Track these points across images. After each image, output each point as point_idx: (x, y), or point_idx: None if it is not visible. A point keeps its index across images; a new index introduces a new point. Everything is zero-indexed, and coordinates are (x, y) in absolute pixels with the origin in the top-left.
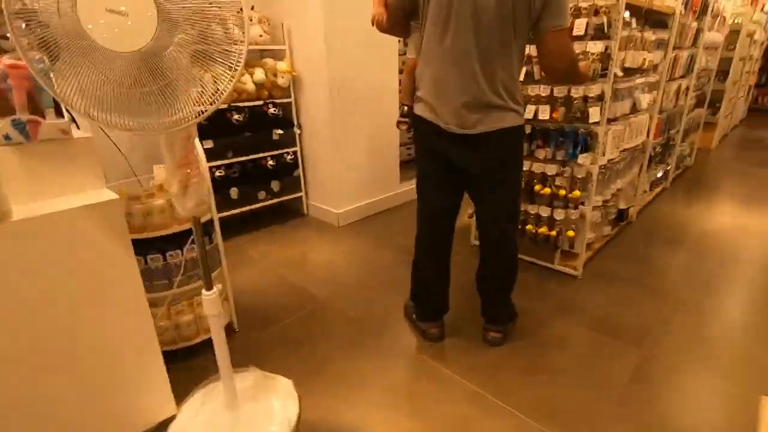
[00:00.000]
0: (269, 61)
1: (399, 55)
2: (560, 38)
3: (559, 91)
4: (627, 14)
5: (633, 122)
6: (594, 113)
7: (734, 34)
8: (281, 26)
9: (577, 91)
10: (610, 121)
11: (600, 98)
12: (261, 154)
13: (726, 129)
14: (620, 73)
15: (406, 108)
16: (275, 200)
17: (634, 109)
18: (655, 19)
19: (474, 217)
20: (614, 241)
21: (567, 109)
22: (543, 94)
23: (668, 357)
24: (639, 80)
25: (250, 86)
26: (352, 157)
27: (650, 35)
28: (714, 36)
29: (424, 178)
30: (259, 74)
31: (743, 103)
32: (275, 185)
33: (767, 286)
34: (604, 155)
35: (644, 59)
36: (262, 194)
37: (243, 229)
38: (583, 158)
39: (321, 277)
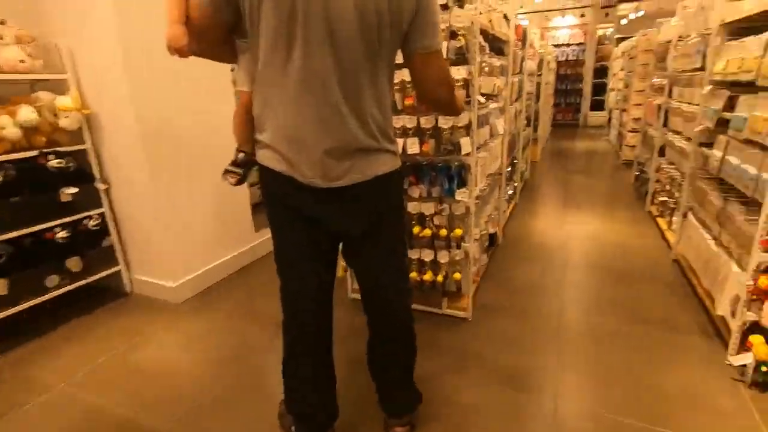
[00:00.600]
0: (44, 95)
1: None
2: (433, 62)
3: (427, 122)
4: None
5: (492, 148)
6: (465, 144)
7: (539, 61)
8: (56, 48)
9: (446, 122)
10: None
11: (468, 128)
12: (44, 225)
13: (543, 143)
14: (483, 100)
15: (241, 155)
16: (77, 283)
17: (491, 135)
18: (495, 47)
19: (348, 272)
20: (490, 269)
21: (437, 141)
22: (409, 126)
23: (575, 400)
24: (493, 105)
25: (12, 132)
26: (185, 212)
27: (496, 61)
28: (531, 64)
29: (284, 250)
30: (27, 114)
31: (548, 120)
32: (74, 263)
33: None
34: (476, 186)
35: (494, 85)
36: (53, 279)
37: (27, 336)
38: (461, 194)
39: (155, 395)
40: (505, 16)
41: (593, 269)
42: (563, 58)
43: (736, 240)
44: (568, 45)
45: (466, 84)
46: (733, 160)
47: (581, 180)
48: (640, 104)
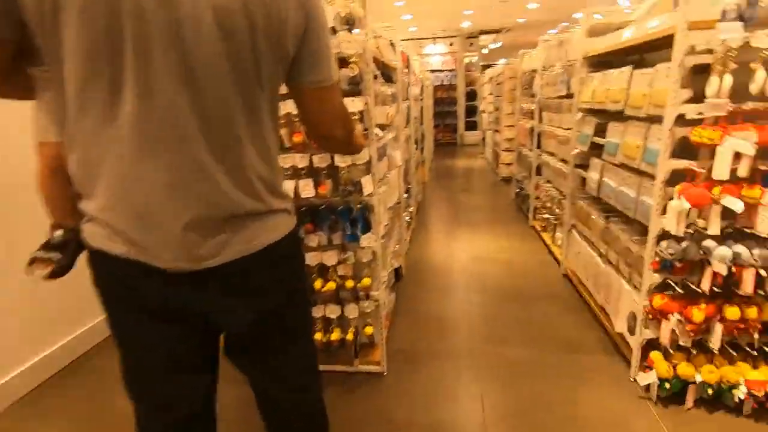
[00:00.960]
0: None
1: None
2: (327, 98)
3: (321, 161)
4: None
5: (391, 180)
6: (367, 183)
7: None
8: None
9: (343, 160)
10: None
11: (368, 164)
12: None
13: (429, 163)
14: (380, 133)
15: (58, 232)
16: None
17: (390, 167)
18: (384, 74)
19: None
20: (398, 306)
21: (334, 181)
22: (301, 166)
23: None
24: (389, 136)
25: None
26: None
27: (387, 89)
28: (415, 89)
29: (134, 360)
30: None
31: (432, 141)
32: None
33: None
34: (381, 226)
35: (388, 114)
36: None
37: None
38: (366, 239)
39: None
40: (391, 43)
41: (495, 291)
42: (438, 83)
43: (623, 258)
44: (441, 71)
45: (362, 116)
46: (610, 182)
47: (468, 198)
48: (511, 126)
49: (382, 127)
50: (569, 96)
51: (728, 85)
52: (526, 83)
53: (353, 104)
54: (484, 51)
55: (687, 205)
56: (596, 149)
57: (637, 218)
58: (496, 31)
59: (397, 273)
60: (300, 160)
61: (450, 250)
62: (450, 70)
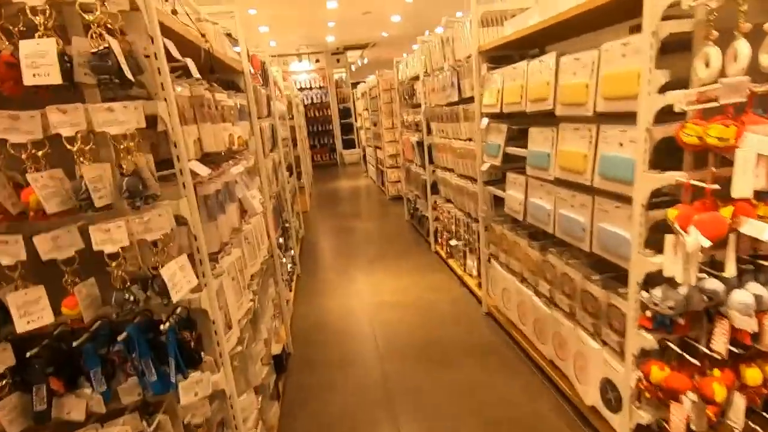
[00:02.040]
0: None
1: None
2: None
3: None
4: (189, 62)
5: (248, 234)
6: (177, 274)
7: (288, 104)
8: None
9: (112, 235)
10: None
11: (178, 234)
12: None
13: (309, 188)
14: (202, 170)
15: None
16: None
17: (244, 215)
18: (225, 79)
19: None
20: (286, 409)
21: (105, 284)
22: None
23: None
24: (236, 170)
25: None
26: None
27: (226, 98)
28: (280, 106)
29: None
30: None
31: (309, 164)
32: None
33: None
34: (227, 341)
35: (230, 136)
36: None
37: None
38: (196, 382)
39: None
40: (229, 35)
41: (411, 351)
42: (309, 102)
43: (581, 304)
44: (311, 88)
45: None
46: (542, 203)
47: (358, 224)
48: (393, 141)
49: (212, 158)
50: (464, 101)
51: (746, 55)
52: (407, 93)
53: (74, 114)
54: (353, 68)
55: (706, 242)
56: (512, 161)
57: (597, 252)
58: (362, 47)
59: (280, 360)
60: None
61: (346, 300)
62: (320, 88)
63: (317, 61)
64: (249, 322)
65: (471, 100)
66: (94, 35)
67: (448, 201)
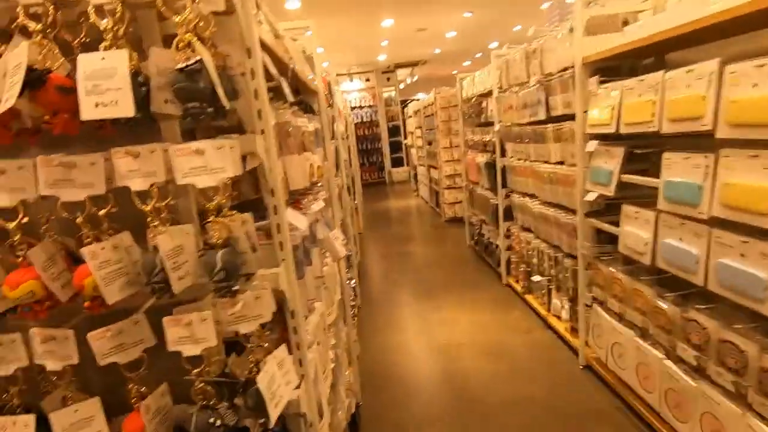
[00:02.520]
0: None
1: None
2: None
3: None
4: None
5: (327, 278)
6: (277, 387)
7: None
8: None
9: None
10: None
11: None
12: None
13: (361, 208)
14: (301, 224)
15: None
16: None
17: (324, 263)
18: (300, 101)
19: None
20: None
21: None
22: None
23: None
24: (316, 206)
25: None
26: None
27: (306, 122)
28: (341, 126)
29: None
30: None
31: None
32: None
33: None
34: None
35: (312, 166)
36: None
37: None
38: None
39: None
40: (304, 52)
41: (500, 416)
42: (358, 120)
43: (758, 385)
44: (361, 107)
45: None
46: (687, 248)
47: (415, 249)
48: (451, 160)
49: (300, 196)
50: (553, 120)
51: None
52: (473, 111)
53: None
54: (401, 86)
55: None
56: (626, 190)
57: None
58: (413, 65)
59: (352, 421)
60: None
61: (414, 338)
62: (369, 106)
63: (367, 80)
64: (330, 388)
65: (562, 118)
66: (180, 44)
67: (526, 230)
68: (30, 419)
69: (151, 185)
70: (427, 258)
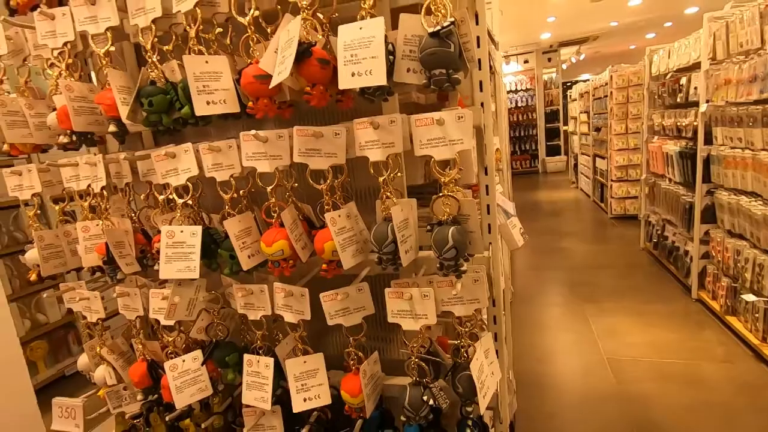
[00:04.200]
0: None
1: None
2: None
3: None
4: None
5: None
6: (486, 376)
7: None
8: None
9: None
10: None
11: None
12: None
13: (511, 198)
14: (510, 208)
15: None
16: None
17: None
18: None
19: None
20: None
21: None
22: None
23: None
24: (500, 188)
25: None
26: None
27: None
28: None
29: None
30: None
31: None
32: None
33: None
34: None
35: (498, 151)
36: None
37: None
38: None
39: None
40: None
41: None
42: (512, 105)
43: None
44: (516, 91)
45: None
46: None
47: (573, 246)
48: (625, 149)
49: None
50: None
51: None
52: (667, 89)
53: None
54: (564, 67)
55: None
56: None
57: None
58: (580, 42)
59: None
60: None
61: (577, 346)
62: (526, 90)
63: (526, 61)
64: None
65: None
66: (433, 7)
67: (737, 236)
68: (270, 361)
69: (388, 156)
70: (587, 257)
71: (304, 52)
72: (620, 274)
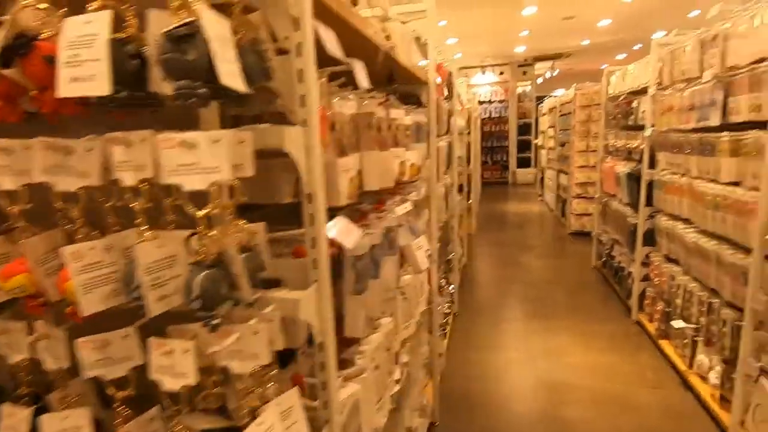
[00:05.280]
0: None
1: None
2: None
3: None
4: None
5: (406, 288)
6: None
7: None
8: None
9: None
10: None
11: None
12: None
13: (477, 209)
14: (349, 242)
15: None
16: None
17: (402, 273)
18: (403, 92)
19: None
20: None
21: None
22: None
23: None
24: (401, 209)
25: None
26: None
27: (402, 114)
28: (460, 121)
29: None
30: None
31: (479, 182)
32: None
33: None
34: None
35: (403, 164)
36: None
37: None
38: None
39: None
40: (418, 39)
41: None
42: (486, 116)
43: None
44: (490, 102)
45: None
46: None
47: (530, 261)
48: (585, 166)
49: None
50: (730, 127)
51: None
52: (621, 111)
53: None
54: (539, 81)
55: None
56: None
57: None
58: (554, 58)
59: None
60: None
61: (515, 367)
62: (500, 101)
63: (501, 73)
64: (391, 413)
65: (743, 127)
66: (175, 3)
67: (672, 261)
68: (28, 414)
69: (140, 182)
70: (543, 272)
71: (20, 46)
72: (570, 291)
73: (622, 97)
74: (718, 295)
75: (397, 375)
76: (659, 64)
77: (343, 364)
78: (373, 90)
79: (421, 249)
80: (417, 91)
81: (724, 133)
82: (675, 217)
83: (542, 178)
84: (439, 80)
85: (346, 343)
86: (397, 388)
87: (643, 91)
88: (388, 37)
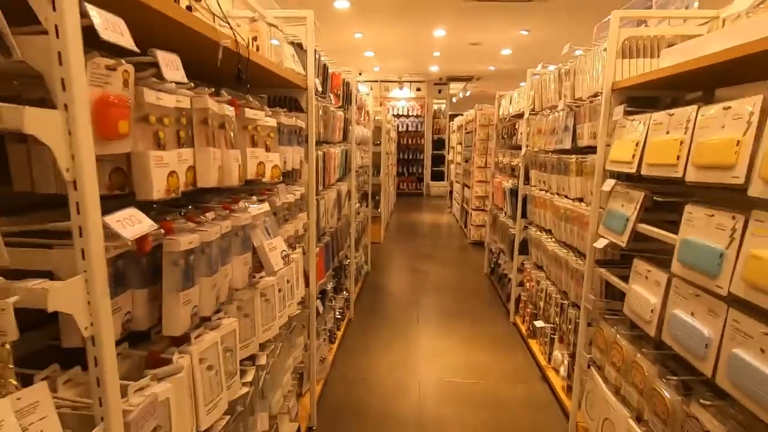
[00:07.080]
0: None
1: None
2: None
3: None
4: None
5: (267, 290)
6: None
7: (377, 130)
8: None
9: None
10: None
11: None
12: None
13: (387, 218)
14: (128, 233)
15: None
16: None
17: (258, 271)
18: (283, 96)
19: None
20: None
21: None
22: None
23: None
24: (255, 209)
25: None
26: None
27: (262, 116)
28: (363, 131)
29: None
30: None
31: (393, 192)
32: None
33: None
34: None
35: (261, 165)
36: None
37: None
38: None
39: None
40: (301, 47)
41: None
42: (403, 129)
43: None
44: (407, 116)
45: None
46: (700, 328)
47: (432, 269)
48: (483, 181)
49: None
50: (579, 151)
51: None
52: (506, 132)
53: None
54: (454, 100)
55: None
56: (648, 242)
57: None
58: (467, 79)
59: None
60: None
61: (401, 369)
62: (416, 116)
63: (418, 89)
64: (236, 416)
65: (589, 150)
66: None
67: (539, 267)
68: None
69: None
70: (441, 280)
71: None
72: (462, 297)
73: (507, 119)
74: (567, 297)
75: (249, 377)
76: (532, 92)
77: (165, 362)
78: (201, 86)
79: (276, 249)
80: (298, 96)
81: (573, 156)
82: (541, 228)
83: (451, 191)
84: (320, 88)
85: (177, 342)
86: (244, 390)
87: (521, 115)
88: (255, 38)
